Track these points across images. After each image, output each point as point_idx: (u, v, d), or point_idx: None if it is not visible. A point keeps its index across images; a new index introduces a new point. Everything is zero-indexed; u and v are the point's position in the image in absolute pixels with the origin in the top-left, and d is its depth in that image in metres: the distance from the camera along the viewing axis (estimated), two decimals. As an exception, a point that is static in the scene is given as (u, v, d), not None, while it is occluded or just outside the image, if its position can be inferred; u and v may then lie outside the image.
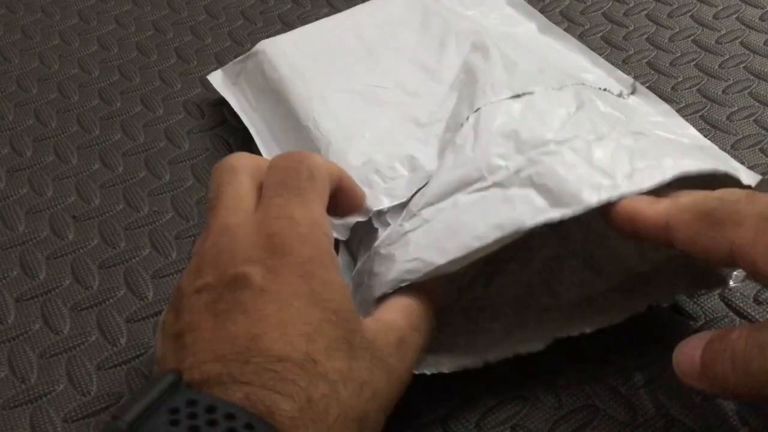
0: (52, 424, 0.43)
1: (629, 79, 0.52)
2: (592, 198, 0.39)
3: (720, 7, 0.64)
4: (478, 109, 0.45)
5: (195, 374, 0.33)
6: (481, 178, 0.42)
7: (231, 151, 0.57)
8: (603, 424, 0.40)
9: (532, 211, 0.39)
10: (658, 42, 0.62)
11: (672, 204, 0.38)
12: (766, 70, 0.59)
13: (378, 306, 0.40)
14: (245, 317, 0.34)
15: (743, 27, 0.62)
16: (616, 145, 0.42)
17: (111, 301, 0.48)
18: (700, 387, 0.36)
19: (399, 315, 0.39)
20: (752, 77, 0.58)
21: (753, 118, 0.55)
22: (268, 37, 0.66)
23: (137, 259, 0.51)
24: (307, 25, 0.60)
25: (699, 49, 0.61)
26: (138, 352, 0.46)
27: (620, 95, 0.49)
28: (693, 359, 0.36)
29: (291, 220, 0.37)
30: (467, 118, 0.45)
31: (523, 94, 0.46)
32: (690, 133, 0.47)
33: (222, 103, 0.60)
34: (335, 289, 0.36)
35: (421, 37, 0.55)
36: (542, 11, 0.65)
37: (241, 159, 0.41)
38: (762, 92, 0.57)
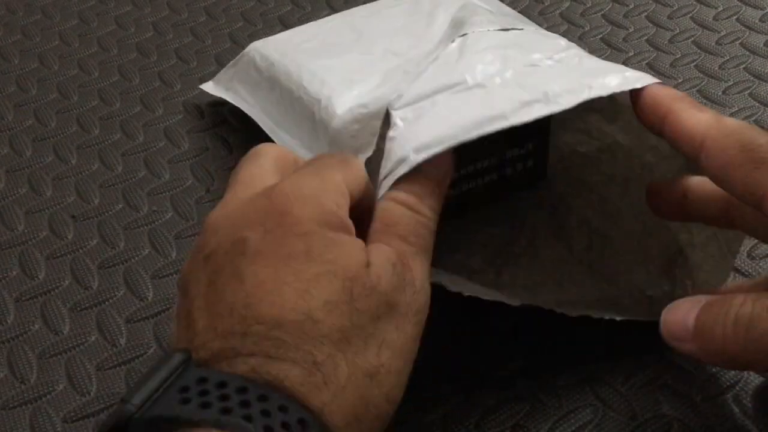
0: (52, 424, 0.42)
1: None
2: (582, 94, 0.38)
3: (720, 9, 0.64)
4: (465, 34, 0.44)
5: (202, 353, 0.32)
6: (463, 82, 0.40)
7: (231, 150, 0.57)
8: (603, 424, 0.40)
9: (516, 103, 0.38)
10: (658, 43, 0.62)
11: (715, 121, 0.35)
12: (766, 71, 0.59)
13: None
14: (241, 285, 0.32)
15: (743, 28, 0.62)
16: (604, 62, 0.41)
17: (111, 301, 0.48)
18: (687, 350, 0.36)
19: (395, 239, 0.36)
20: (752, 78, 0.58)
21: (753, 118, 0.55)
22: (268, 37, 0.66)
23: (137, 259, 0.51)
24: (298, 27, 0.60)
25: (699, 51, 0.61)
26: (138, 353, 0.45)
27: None
28: (685, 322, 0.35)
29: (296, 185, 0.35)
30: (453, 41, 0.44)
31: (512, 28, 0.45)
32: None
33: (222, 103, 0.60)
34: (337, 245, 0.34)
35: (411, 14, 0.54)
36: (542, 13, 0.65)
37: (266, 146, 0.39)
38: (762, 93, 0.57)
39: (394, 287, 0.34)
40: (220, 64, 0.64)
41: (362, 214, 0.37)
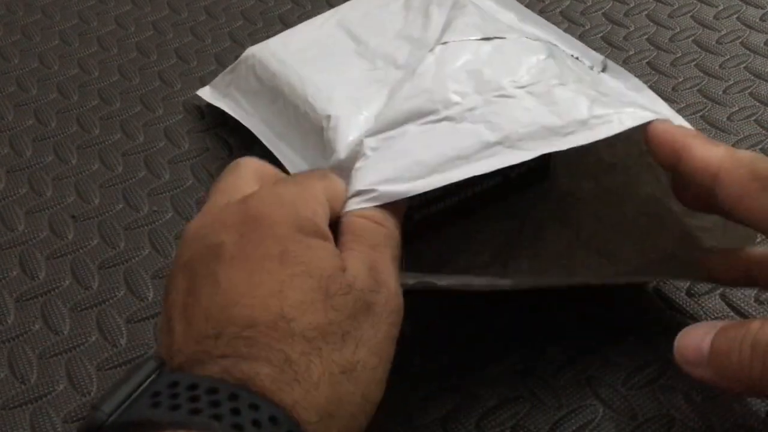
0: (52, 424, 0.42)
1: (600, 57, 0.51)
2: (540, 148, 0.39)
3: (720, 8, 0.64)
4: (445, 42, 0.45)
5: (178, 357, 0.32)
6: (434, 111, 0.41)
7: (231, 150, 0.57)
8: (603, 424, 0.40)
9: (479, 144, 0.39)
10: (658, 42, 0.62)
11: (728, 154, 0.37)
12: (766, 70, 0.58)
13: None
14: (216, 289, 0.33)
15: (744, 27, 0.62)
16: (577, 90, 0.41)
17: (111, 301, 0.48)
18: (701, 375, 0.36)
19: (365, 244, 0.37)
20: (753, 77, 0.58)
21: (754, 118, 0.55)
22: (268, 37, 0.66)
23: (137, 259, 0.51)
24: (292, 28, 0.60)
25: (699, 50, 0.61)
26: (138, 353, 0.45)
27: (591, 69, 0.49)
28: (700, 347, 0.35)
29: (274, 192, 0.36)
30: (431, 50, 0.44)
31: (494, 37, 0.45)
32: (660, 109, 0.47)
33: (222, 103, 0.60)
34: (312, 248, 0.34)
35: (406, 15, 0.54)
36: (542, 11, 0.65)
37: (247, 159, 0.40)
38: (763, 92, 0.57)
39: (369, 288, 0.35)
40: (220, 63, 0.64)
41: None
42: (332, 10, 0.59)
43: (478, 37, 0.45)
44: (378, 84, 0.48)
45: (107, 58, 0.66)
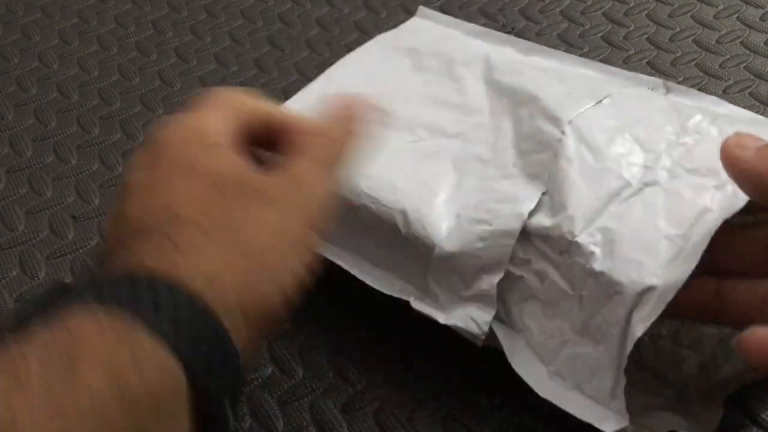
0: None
1: (658, 81, 0.49)
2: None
3: (720, 7, 0.64)
4: (570, 122, 0.43)
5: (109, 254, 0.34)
6: (625, 186, 0.40)
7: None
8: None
9: (709, 194, 0.39)
10: (658, 42, 0.62)
11: None
12: (766, 70, 0.58)
13: None
14: (123, 205, 0.35)
15: (744, 27, 0.62)
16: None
17: (111, 301, 0.48)
18: None
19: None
20: (753, 77, 0.58)
21: (753, 118, 0.55)
22: (268, 36, 0.66)
23: (137, 259, 0.50)
24: (293, 99, 0.52)
25: (699, 49, 0.61)
26: (138, 353, 0.45)
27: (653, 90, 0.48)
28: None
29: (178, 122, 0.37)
30: (563, 133, 0.42)
31: (604, 98, 0.44)
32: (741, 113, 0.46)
33: (222, 102, 0.60)
34: (210, 154, 0.35)
35: (424, 78, 0.50)
36: (542, 11, 0.65)
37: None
38: (762, 92, 0.57)
39: (275, 183, 0.35)
40: (220, 62, 0.64)
41: (276, 136, 0.38)
42: (324, 77, 0.53)
43: (591, 104, 0.44)
44: (434, 157, 0.45)
45: (107, 57, 0.66)
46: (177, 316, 0.30)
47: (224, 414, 0.31)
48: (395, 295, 0.43)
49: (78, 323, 0.29)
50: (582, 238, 0.39)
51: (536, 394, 0.40)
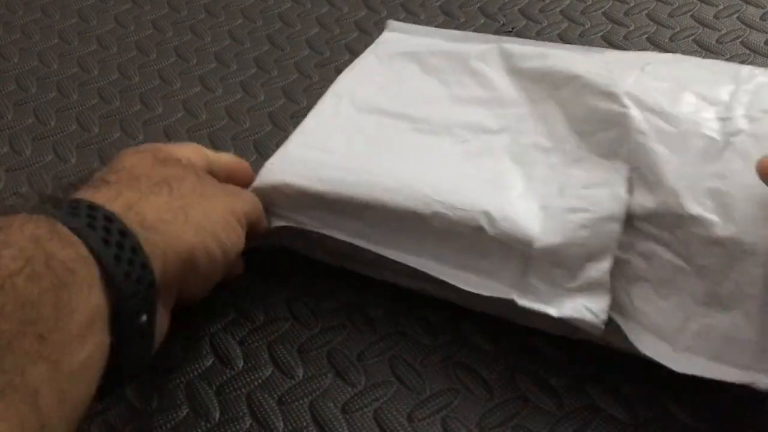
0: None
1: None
2: None
3: (720, 7, 0.64)
4: (627, 92, 0.42)
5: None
6: (712, 142, 0.39)
7: (231, 149, 0.57)
8: (603, 424, 0.40)
9: None
10: (658, 41, 0.62)
11: None
12: (766, 69, 0.58)
13: None
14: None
15: (744, 27, 0.62)
16: None
17: (110, 300, 0.48)
18: None
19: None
20: (753, 77, 0.58)
21: (754, 117, 0.55)
22: (267, 35, 0.66)
23: (137, 258, 0.50)
24: (297, 132, 0.50)
25: (700, 49, 0.61)
26: (137, 352, 0.45)
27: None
28: None
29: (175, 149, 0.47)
30: (623, 106, 0.41)
31: (645, 65, 0.43)
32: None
33: (222, 101, 0.59)
34: (185, 165, 0.44)
35: (439, 78, 0.49)
36: (542, 11, 0.65)
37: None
38: (763, 92, 0.57)
39: (213, 183, 0.45)
40: (220, 61, 0.64)
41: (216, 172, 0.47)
42: (331, 93, 0.51)
43: (638, 72, 0.43)
44: (486, 154, 0.44)
45: (107, 56, 0.66)
46: (92, 221, 0.37)
47: (139, 322, 0.37)
48: (495, 295, 0.41)
49: (11, 217, 0.35)
50: (694, 209, 0.37)
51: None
